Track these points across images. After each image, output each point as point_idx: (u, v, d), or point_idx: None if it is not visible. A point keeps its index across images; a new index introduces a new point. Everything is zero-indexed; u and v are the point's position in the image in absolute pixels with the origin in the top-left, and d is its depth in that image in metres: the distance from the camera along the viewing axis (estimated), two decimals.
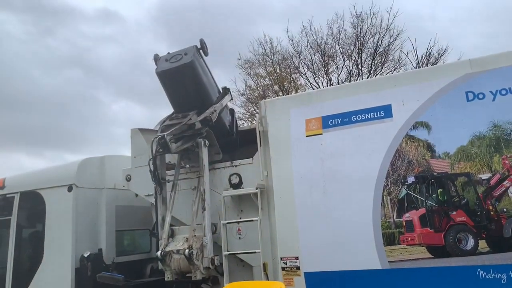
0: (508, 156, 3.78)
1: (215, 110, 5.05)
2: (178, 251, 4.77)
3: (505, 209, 3.71)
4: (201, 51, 5.16)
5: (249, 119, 19.84)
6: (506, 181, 3.73)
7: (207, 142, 5.03)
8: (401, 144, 4.03)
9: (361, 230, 4.00)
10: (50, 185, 5.92)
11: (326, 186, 4.22)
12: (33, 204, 6.02)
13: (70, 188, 5.71)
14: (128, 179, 5.73)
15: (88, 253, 5.49)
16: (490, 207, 3.72)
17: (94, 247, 5.73)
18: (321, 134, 4.36)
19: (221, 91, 5.59)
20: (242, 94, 20.59)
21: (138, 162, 5.68)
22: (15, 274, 5.84)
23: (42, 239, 5.77)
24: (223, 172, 5.21)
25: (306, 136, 4.43)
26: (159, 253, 4.84)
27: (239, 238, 4.92)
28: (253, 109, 20.48)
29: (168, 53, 5.14)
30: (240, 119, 20.40)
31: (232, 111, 5.91)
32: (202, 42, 5.13)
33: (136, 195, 6.03)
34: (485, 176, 3.76)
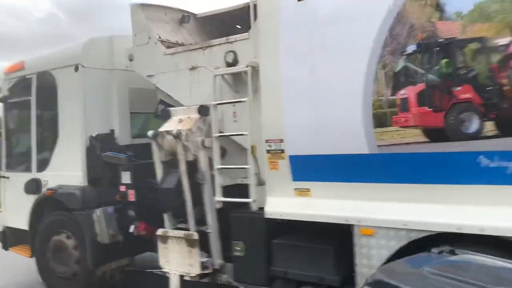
0: None
1: None
2: (168, 132, 4.62)
3: None
4: None
5: None
6: None
7: None
8: (405, 4, 3.20)
9: (349, 109, 3.43)
10: (59, 65, 5.89)
11: (313, 60, 3.60)
12: (47, 84, 6.08)
13: (76, 68, 5.63)
14: (131, 58, 5.48)
15: (96, 133, 5.55)
16: (505, 81, 2.92)
17: (106, 128, 5.77)
18: None
19: None
20: None
21: (139, 41, 5.37)
22: (39, 154, 6.16)
23: (56, 120, 5.92)
24: (219, 50, 4.74)
25: (298, 0, 3.72)
26: (150, 132, 4.72)
27: (235, 121, 4.61)
28: None
29: None
30: None
31: None
32: None
33: None
34: (504, 40, 2.89)
